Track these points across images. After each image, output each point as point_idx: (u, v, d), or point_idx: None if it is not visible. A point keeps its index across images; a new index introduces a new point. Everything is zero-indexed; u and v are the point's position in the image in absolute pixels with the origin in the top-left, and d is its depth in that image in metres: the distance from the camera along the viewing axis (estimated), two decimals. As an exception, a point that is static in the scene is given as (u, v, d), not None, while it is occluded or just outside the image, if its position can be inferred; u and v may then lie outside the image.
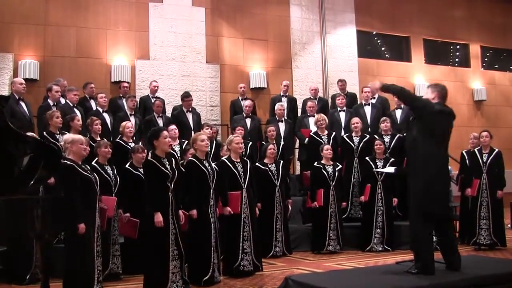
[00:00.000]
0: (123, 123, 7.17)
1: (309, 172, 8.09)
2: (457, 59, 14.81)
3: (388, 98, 9.50)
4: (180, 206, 5.32)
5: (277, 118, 9.09)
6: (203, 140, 5.70)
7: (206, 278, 5.45)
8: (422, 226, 4.69)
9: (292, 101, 10.04)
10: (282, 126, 8.99)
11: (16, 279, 5.68)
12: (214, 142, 8.03)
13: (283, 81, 10.20)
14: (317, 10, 12.56)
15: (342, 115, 9.05)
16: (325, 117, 8.43)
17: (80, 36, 10.36)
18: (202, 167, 5.63)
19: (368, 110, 9.04)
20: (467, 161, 7.97)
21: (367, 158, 7.79)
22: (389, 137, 8.21)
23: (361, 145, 8.13)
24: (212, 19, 11.49)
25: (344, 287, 4.47)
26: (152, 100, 8.95)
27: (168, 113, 9.18)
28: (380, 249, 7.48)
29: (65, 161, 4.77)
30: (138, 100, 9.05)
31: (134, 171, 6.19)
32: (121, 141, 7.00)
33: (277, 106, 9.20)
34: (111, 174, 5.92)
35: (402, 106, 8.78)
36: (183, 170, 5.52)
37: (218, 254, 5.69)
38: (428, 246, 4.72)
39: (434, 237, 5.01)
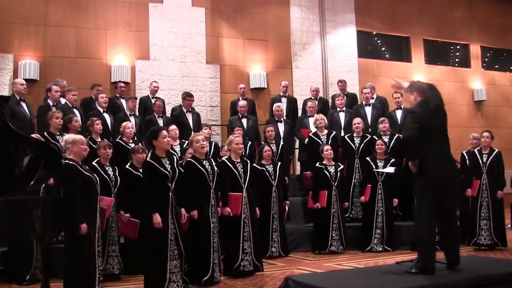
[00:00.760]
0: (123, 124, 7.17)
1: (309, 172, 8.08)
2: (457, 60, 14.81)
3: (388, 98, 9.52)
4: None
5: (276, 119, 9.09)
6: (198, 141, 5.71)
7: (206, 278, 5.45)
8: (425, 226, 4.70)
9: (292, 102, 10.04)
10: (281, 127, 8.99)
11: (16, 279, 5.69)
12: (213, 143, 8.05)
13: (282, 81, 10.20)
14: (317, 10, 12.56)
15: (342, 116, 9.05)
16: (324, 117, 8.43)
17: (80, 36, 10.36)
18: (201, 168, 5.62)
19: (368, 110, 9.04)
20: (467, 162, 7.97)
21: (367, 158, 7.79)
22: (388, 137, 8.21)
23: (362, 145, 8.14)
24: (212, 20, 11.50)
25: (344, 287, 4.46)
26: (152, 101, 8.94)
27: (168, 113, 9.18)
28: (380, 249, 7.48)
29: (66, 161, 4.78)
30: (138, 100, 9.06)
31: (134, 172, 6.20)
32: (121, 142, 7.00)
33: (275, 106, 9.20)
34: (111, 175, 5.93)
35: (403, 106, 8.78)
36: (182, 170, 5.52)
37: (219, 254, 5.69)
38: (430, 246, 4.73)
39: (436, 236, 5.03)
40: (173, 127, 7.47)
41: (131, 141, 7.05)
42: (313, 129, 8.58)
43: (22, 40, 9.94)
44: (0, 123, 3.81)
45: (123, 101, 8.74)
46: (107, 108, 8.18)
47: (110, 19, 10.65)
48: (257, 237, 6.21)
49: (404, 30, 13.66)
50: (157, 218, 4.96)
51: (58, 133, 6.37)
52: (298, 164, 10.26)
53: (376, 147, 7.77)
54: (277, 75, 11.65)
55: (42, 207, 4.27)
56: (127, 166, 6.24)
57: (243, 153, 7.02)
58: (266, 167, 7.29)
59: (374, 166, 7.66)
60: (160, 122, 8.31)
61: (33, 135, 4.77)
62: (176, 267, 5.08)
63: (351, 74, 12.44)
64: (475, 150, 7.87)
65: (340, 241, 7.45)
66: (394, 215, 7.83)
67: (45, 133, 6.29)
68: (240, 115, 9.05)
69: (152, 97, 9.20)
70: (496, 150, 7.78)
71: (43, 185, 5.31)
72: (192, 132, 8.02)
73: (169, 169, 5.13)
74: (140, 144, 6.96)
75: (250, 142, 8.21)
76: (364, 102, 9.18)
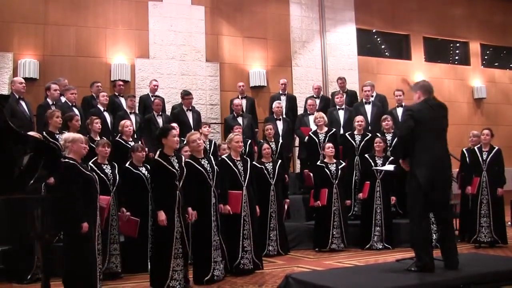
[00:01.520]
0: (122, 122, 7.16)
1: (307, 170, 8.06)
2: (457, 57, 14.79)
3: (387, 96, 9.51)
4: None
5: (275, 117, 9.08)
6: (194, 141, 5.71)
7: (207, 277, 5.46)
8: (419, 224, 4.71)
9: (291, 99, 10.03)
10: (280, 125, 8.97)
11: (16, 278, 5.69)
12: (213, 141, 8.04)
13: (281, 79, 10.20)
14: (317, 8, 12.54)
15: (341, 113, 9.04)
16: (324, 115, 8.42)
17: (80, 35, 10.35)
18: (199, 167, 5.62)
19: (368, 108, 9.03)
20: (467, 159, 7.98)
21: (366, 155, 7.79)
22: (390, 135, 8.21)
23: (362, 143, 8.13)
24: (212, 18, 11.49)
25: (344, 285, 4.46)
26: (152, 99, 8.94)
27: (168, 111, 9.17)
28: (380, 247, 7.48)
29: (66, 160, 4.77)
30: (138, 99, 9.05)
31: (134, 170, 6.20)
32: (121, 140, 6.99)
33: (275, 104, 9.18)
34: (108, 174, 5.91)
35: (403, 104, 8.78)
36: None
37: (222, 252, 5.68)
38: (426, 244, 4.74)
39: (433, 234, 5.02)
40: (174, 125, 7.45)
41: (131, 139, 7.05)
42: (313, 127, 8.58)
43: (21, 39, 9.93)
44: (0, 122, 3.80)
45: (122, 100, 8.75)
46: (107, 106, 8.18)
47: (109, 18, 10.64)
48: (257, 235, 6.21)
49: (404, 28, 13.64)
50: (161, 215, 4.98)
51: (58, 132, 6.36)
52: (298, 162, 10.26)
53: (375, 144, 7.77)
54: (276, 73, 11.64)
55: (42, 206, 4.27)
56: (127, 165, 6.24)
57: (243, 151, 7.02)
58: (265, 165, 7.29)
59: (373, 164, 7.65)
60: (160, 120, 8.30)
61: (31, 133, 4.74)
62: (179, 266, 5.10)
63: (351, 72, 12.42)
64: (475, 147, 7.87)
65: (341, 239, 7.45)
66: (393, 212, 7.83)
67: (44, 132, 6.29)
68: (236, 114, 9.02)
69: (152, 96, 9.20)
70: (496, 147, 7.78)
71: (43, 184, 5.31)
72: (193, 131, 8.01)
73: (177, 168, 5.15)
74: (140, 142, 6.96)
75: (249, 140, 8.20)
76: (364, 100, 9.17)
